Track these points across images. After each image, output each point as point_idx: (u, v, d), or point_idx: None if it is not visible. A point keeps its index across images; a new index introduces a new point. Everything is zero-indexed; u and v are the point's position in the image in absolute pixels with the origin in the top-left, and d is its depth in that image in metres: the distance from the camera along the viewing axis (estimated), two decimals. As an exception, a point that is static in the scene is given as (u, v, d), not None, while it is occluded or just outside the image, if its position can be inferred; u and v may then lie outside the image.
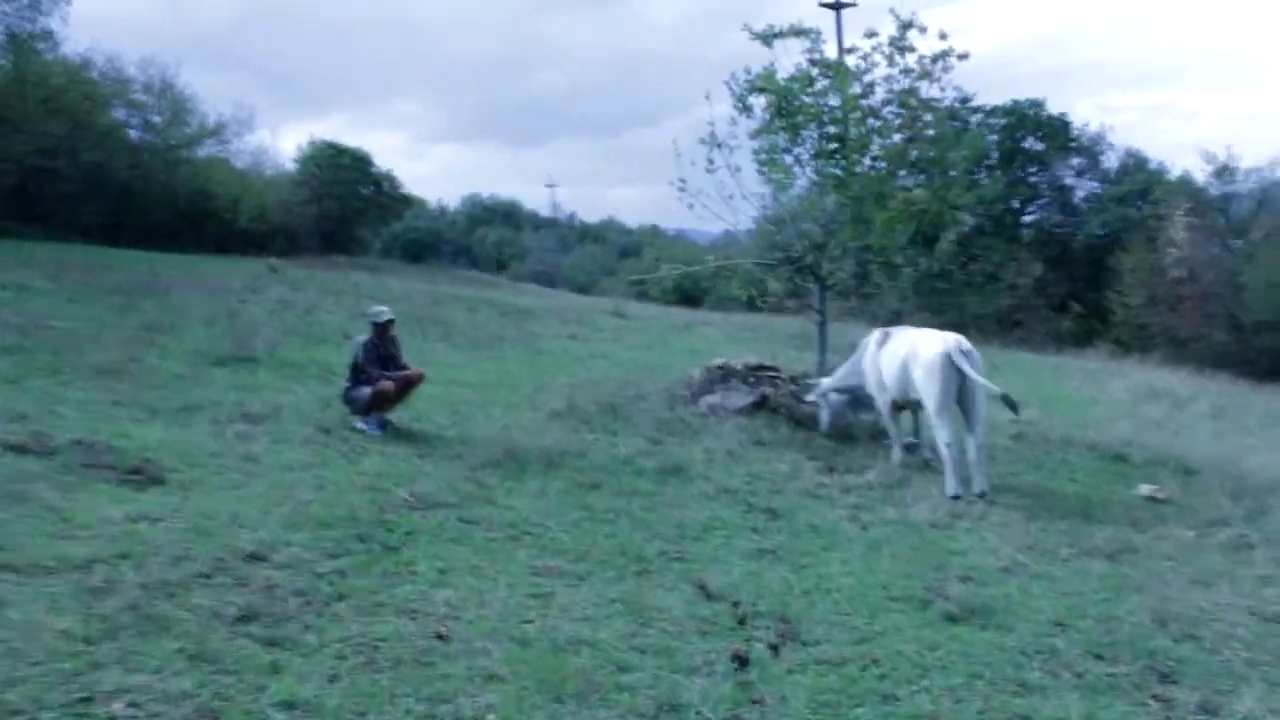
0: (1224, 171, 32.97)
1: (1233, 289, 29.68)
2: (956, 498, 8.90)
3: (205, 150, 34.36)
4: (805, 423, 11.35)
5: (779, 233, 14.19)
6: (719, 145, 13.28)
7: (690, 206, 13.47)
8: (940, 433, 9.31)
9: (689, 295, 37.10)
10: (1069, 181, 39.47)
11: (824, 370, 12.79)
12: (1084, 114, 68.39)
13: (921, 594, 6.19)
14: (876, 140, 13.18)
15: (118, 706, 3.70)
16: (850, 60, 13.18)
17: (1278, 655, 5.57)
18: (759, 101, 13.22)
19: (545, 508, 7.34)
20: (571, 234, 71.45)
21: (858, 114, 12.93)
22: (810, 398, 11.39)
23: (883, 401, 10.46)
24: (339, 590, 5.20)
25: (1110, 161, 39.77)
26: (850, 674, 4.87)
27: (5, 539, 5.25)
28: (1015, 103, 38.15)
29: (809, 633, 5.38)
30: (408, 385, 9.60)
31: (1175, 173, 36.72)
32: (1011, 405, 9.30)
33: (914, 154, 13.08)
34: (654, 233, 69.09)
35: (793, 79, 13.00)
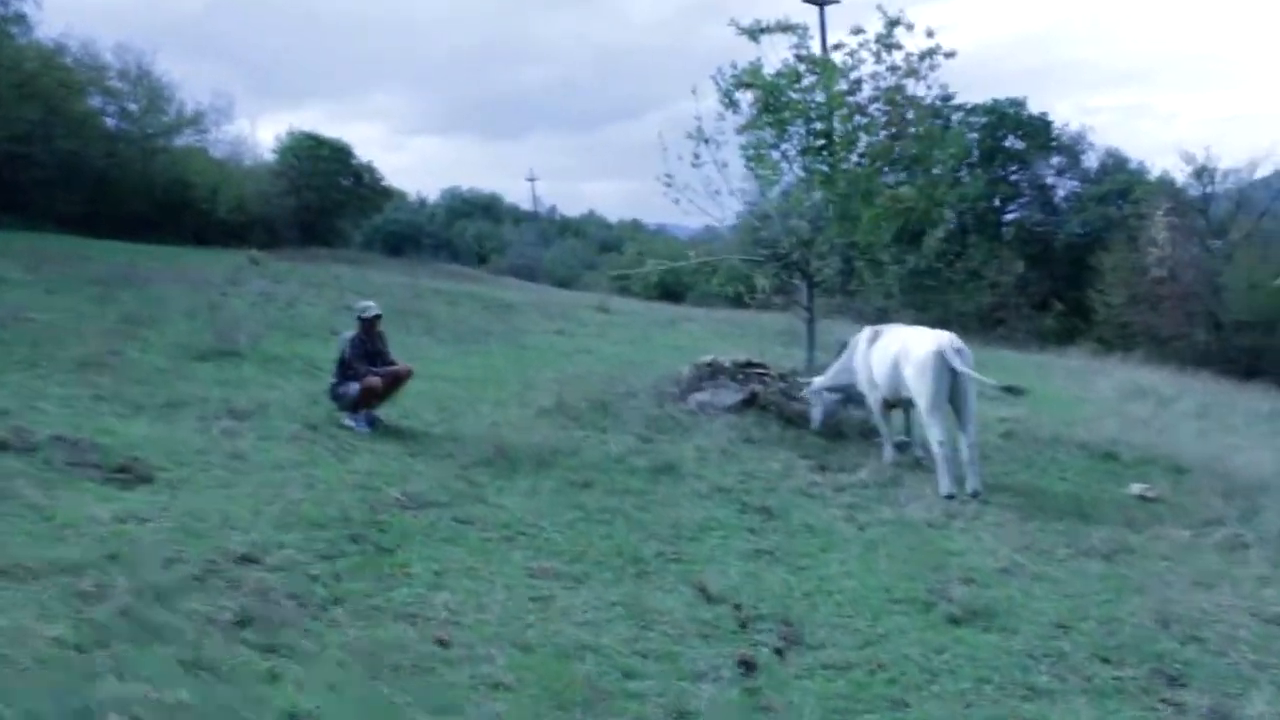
0: (1203, 172, 33.16)
1: (1212, 289, 29.90)
2: (950, 497, 8.85)
3: (183, 139, 33.87)
4: (795, 420, 11.28)
5: (765, 229, 14.12)
6: (705, 140, 13.22)
7: (676, 202, 13.41)
8: (933, 431, 9.25)
9: (671, 290, 37.00)
10: (1050, 180, 39.67)
11: (813, 368, 12.73)
12: (1063, 114, 68.75)
13: (923, 596, 6.13)
14: (863, 137, 13.14)
15: (115, 718, 3.57)
16: (837, 57, 13.14)
17: (1284, 658, 5.54)
18: (746, 97, 13.16)
19: (538, 507, 7.24)
20: (552, 228, 71.26)
21: (844, 111, 12.88)
22: (804, 394, 11.32)
23: (874, 400, 10.40)
24: (335, 594, 5.08)
25: (1090, 161, 40.01)
26: (858, 679, 4.80)
27: (-12, 540, 5.10)
28: (996, 101, 38.26)
29: (813, 636, 5.31)
30: (396, 381, 9.46)
31: (1155, 173, 36.98)
32: (1016, 391, 9.30)
33: (898, 151, 13.04)
34: (635, 227, 69.08)
35: (779, 74, 12.94)
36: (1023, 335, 30.83)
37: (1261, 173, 33.21)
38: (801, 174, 13.33)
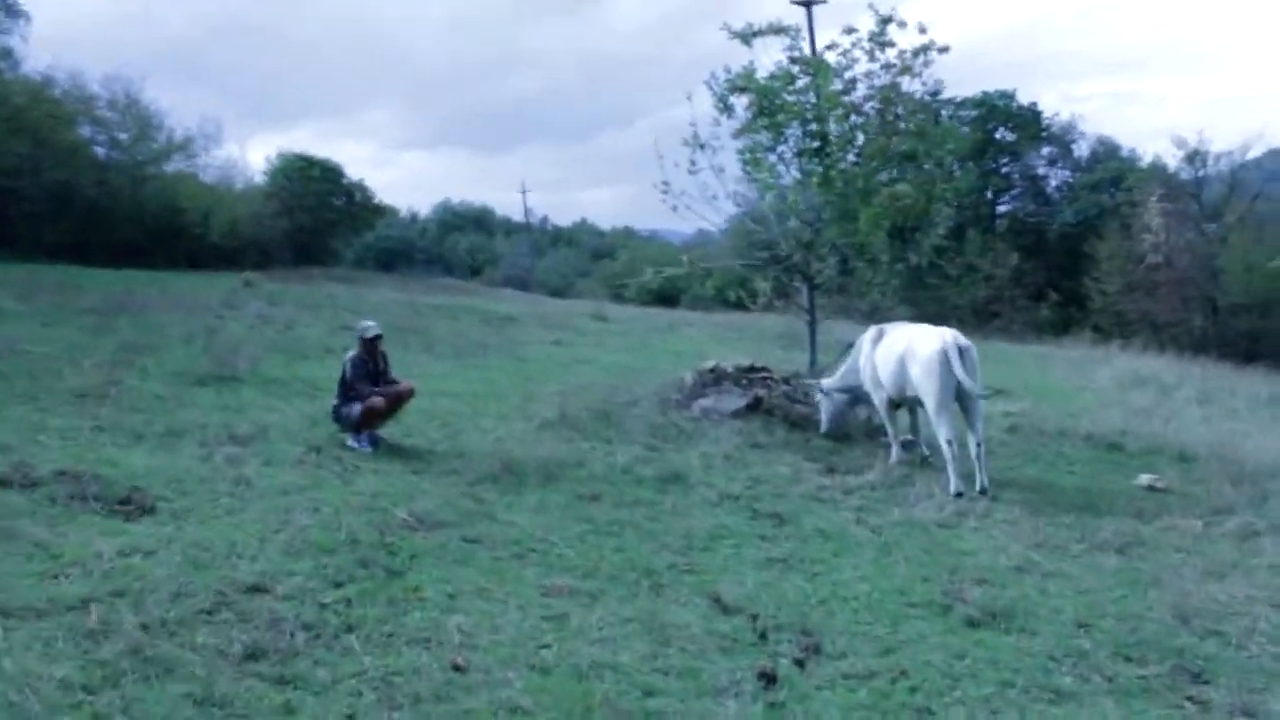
0: (1195, 156, 33.17)
1: (1208, 273, 29.91)
2: (960, 495, 8.80)
3: (173, 165, 33.82)
4: (800, 424, 11.23)
5: (764, 232, 14.08)
6: (701, 146, 13.19)
7: (675, 209, 13.37)
8: (940, 430, 9.20)
9: (665, 295, 36.99)
10: (1041, 171, 39.79)
11: (815, 370, 12.68)
12: (1052, 104, 68.94)
13: (940, 599, 6.07)
14: (859, 136, 13.11)
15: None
16: (831, 56, 13.10)
17: (1307, 650, 5.49)
18: (740, 101, 13.13)
19: (547, 522, 7.16)
20: (544, 238, 71.20)
21: (839, 111, 12.84)
22: (815, 397, 11.24)
23: (879, 399, 10.34)
24: (347, 621, 5.00)
25: (1082, 150, 40.14)
26: (881, 688, 4.73)
27: (-7, 580, 5.02)
28: (986, 94, 38.36)
29: (832, 645, 5.24)
30: (398, 400, 9.39)
31: (1146, 159, 37.01)
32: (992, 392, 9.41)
33: (894, 147, 12.99)
34: (628, 234, 69.12)
35: (773, 77, 12.91)
36: (1019, 327, 30.85)
37: (1254, 154, 33.27)
38: (798, 176, 13.30)
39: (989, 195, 38.80)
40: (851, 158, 13.01)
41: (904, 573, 6.57)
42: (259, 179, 36.79)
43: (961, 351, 9.16)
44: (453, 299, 26.88)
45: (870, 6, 12.68)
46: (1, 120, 25.90)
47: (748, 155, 13.03)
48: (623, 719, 4.20)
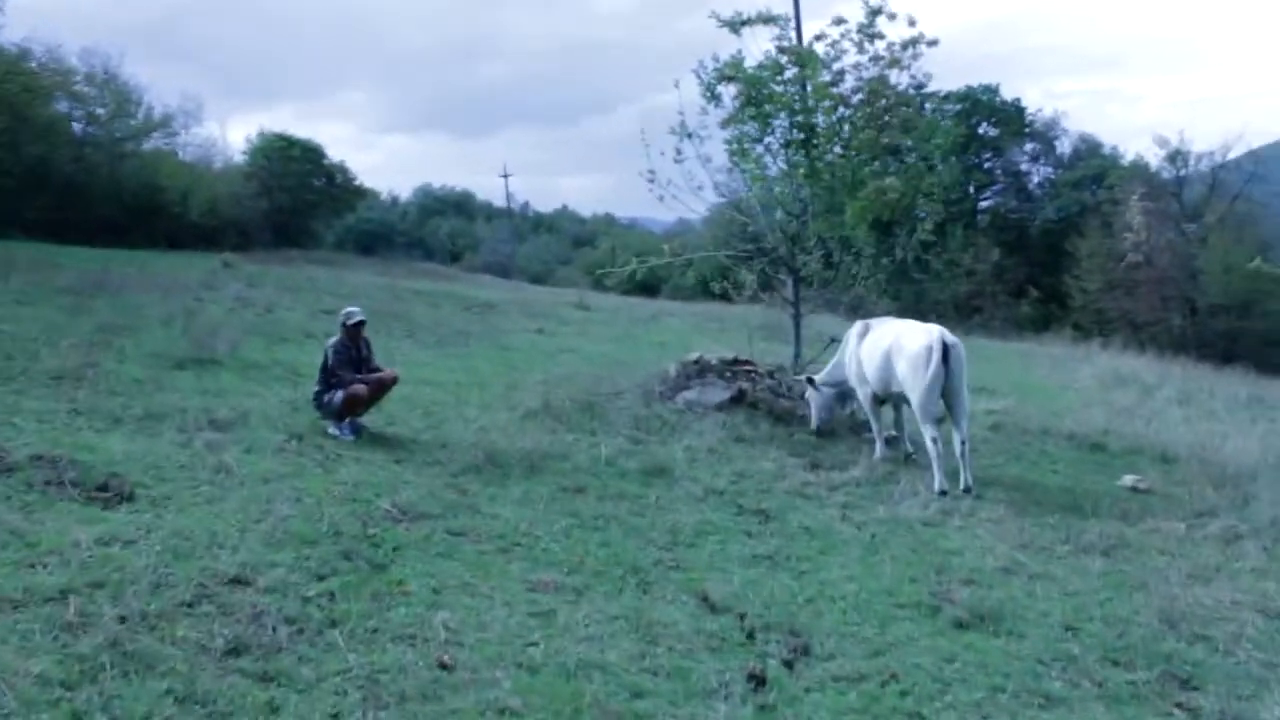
0: (1177, 156, 33.36)
1: (1188, 273, 30.09)
2: (944, 494, 8.79)
3: (152, 143, 33.44)
4: (784, 418, 11.18)
5: (751, 223, 14.01)
6: (689, 135, 13.09)
7: (661, 199, 13.27)
8: (925, 427, 9.18)
9: (646, 284, 36.90)
10: (1024, 167, 39.87)
11: (801, 364, 12.64)
12: (1033, 99, 69.18)
13: (928, 599, 6.04)
14: (847, 129, 13.02)
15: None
16: (819, 48, 13.00)
17: (1293, 656, 5.50)
18: (728, 90, 13.02)
19: (532, 515, 7.08)
20: (525, 224, 70.97)
21: (828, 103, 12.76)
22: (805, 393, 11.17)
23: (864, 395, 10.31)
24: (330, 615, 4.91)
25: (1064, 147, 40.22)
26: (871, 691, 4.70)
27: (-33, 569, 4.90)
28: (969, 89, 38.36)
29: (821, 646, 5.20)
30: (381, 388, 9.28)
31: (1127, 157, 37.18)
32: None
33: (881, 141, 12.92)
34: (609, 221, 68.98)
35: (761, 67, 12.81)
36: (1000, 323, 30.95)
37: (1234, 154, 33.48)
38: (785, 167, 13.22)
39: (971, 190, 38.86)
40: (839, 150, 12.93)
41: (891, 572, 6.54)
42: (239, 158, 36.49)
43: (949, 349, 9.14)
44: (434, 284, 26.69)
45: (858, -3, 12.59)
46: (-24, 92, 25.50)
47: (735, 145, 12.94)
48: (612, 720, 4.15)
